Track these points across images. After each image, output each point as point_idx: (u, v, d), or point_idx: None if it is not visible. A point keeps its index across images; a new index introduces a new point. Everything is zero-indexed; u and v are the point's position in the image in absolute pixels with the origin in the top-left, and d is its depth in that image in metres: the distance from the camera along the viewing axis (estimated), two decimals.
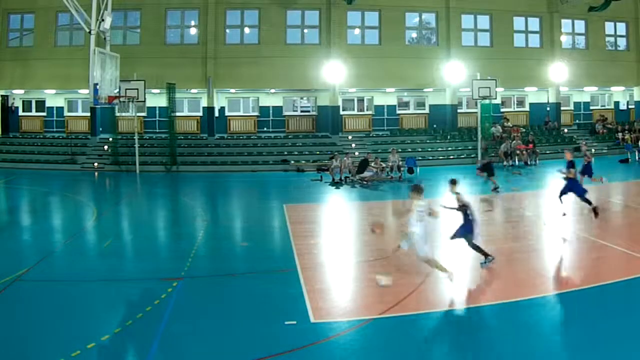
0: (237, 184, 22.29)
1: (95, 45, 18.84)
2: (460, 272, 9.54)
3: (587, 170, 15.97)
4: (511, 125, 29.52)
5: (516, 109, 33.57)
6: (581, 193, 13.28)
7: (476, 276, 9.32)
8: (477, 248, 9.48)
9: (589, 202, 13.15)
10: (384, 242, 11.23)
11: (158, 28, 28.52)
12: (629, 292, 8.20)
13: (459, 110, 31.16)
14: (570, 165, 13.69)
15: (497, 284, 8.83)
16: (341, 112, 30.60)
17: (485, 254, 9.50)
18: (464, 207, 9.40)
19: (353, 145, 27.72)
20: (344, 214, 15.89)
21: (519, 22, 31.08)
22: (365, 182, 20.75)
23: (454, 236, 9.63)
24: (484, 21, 30.73)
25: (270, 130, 30.88)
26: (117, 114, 27.67)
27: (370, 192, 19.27)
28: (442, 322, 7.34)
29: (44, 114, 30.96)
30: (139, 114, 26.91)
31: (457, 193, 9.56)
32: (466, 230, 9.45)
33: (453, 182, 9.75)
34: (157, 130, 29.60)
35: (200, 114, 30.30)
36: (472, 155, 27.38)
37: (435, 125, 30.82)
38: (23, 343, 6.69)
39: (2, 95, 29.71)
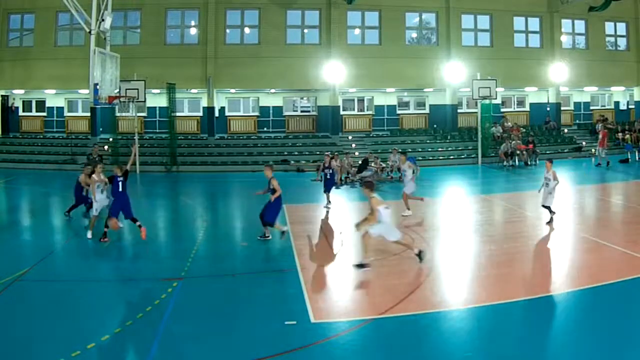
0: (237, 184, 22.26)
1: (95, 45, 18.80)
2: (460, 271, 9.56)
3: (328, 183, 15.59)
4: (511, 125, 29.52)
5: (516, 109, 33.60)
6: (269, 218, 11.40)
7: (476, 276, 9.32)
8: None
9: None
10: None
11: (158, 28, 28.52)
12: (629, 292, 8.19)
13: (459, 110, 31.18)
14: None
15: (497, 284, 8.82)
16: (341, 112, 30.61)
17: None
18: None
19: (353, 145, 27.72)
20: (344, 214, 15.88)
21: (519, 22, 31.09)
22: None
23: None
24: (484, 21, 30.74)
25: (270, 130, 30.91)
26: (117, 114, 27.68)
27: None
28: (442, 322, 7.33)
29: (44, 114, 31.00)
30: (139, 114, 26.91)
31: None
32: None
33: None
34: (157, 131, 29.63)
35: (200, 114, 30.32)
36: (472, 156, 27.43)
37: (435, 125, 30.84)
38: (23, 343, 6.69)
39: (2, 95, 29.73)
